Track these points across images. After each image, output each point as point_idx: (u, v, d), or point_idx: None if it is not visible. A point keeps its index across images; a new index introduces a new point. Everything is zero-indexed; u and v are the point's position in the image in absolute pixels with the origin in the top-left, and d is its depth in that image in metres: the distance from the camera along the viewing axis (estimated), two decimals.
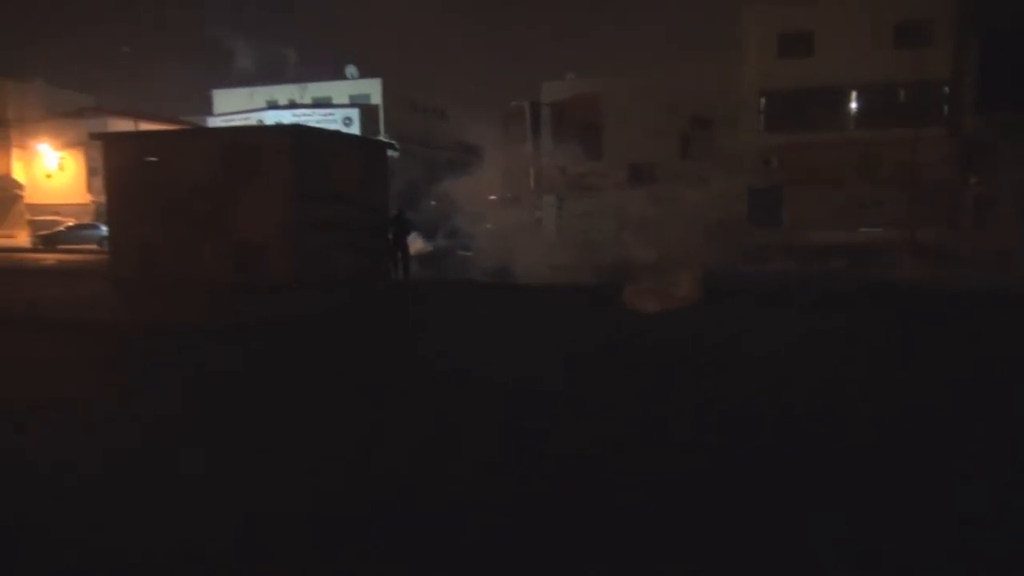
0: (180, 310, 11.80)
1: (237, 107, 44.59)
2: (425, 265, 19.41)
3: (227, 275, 13.44)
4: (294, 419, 5.82)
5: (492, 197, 34.82)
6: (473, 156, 41.80)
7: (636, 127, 27.70)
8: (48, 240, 32.76)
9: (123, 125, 36.59)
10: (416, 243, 19.70)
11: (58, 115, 45.34)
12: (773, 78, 31.26)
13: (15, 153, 46.65)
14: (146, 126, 35.30)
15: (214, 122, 42.68)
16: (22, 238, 36.59)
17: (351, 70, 47.09)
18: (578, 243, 16.58)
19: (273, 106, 44.15)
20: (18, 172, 46.68)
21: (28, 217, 41.07)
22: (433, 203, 29.04)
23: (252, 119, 39.67)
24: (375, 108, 43.94)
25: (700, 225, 15.06)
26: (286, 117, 38.04)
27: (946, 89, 29.56)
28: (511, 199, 27.71)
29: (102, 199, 31.30)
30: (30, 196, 45.57)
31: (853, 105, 31.60)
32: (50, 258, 26.66)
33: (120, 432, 5.54)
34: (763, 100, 32.12)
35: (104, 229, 28.21)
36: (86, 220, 36.15)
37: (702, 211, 16.04)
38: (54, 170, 45.56)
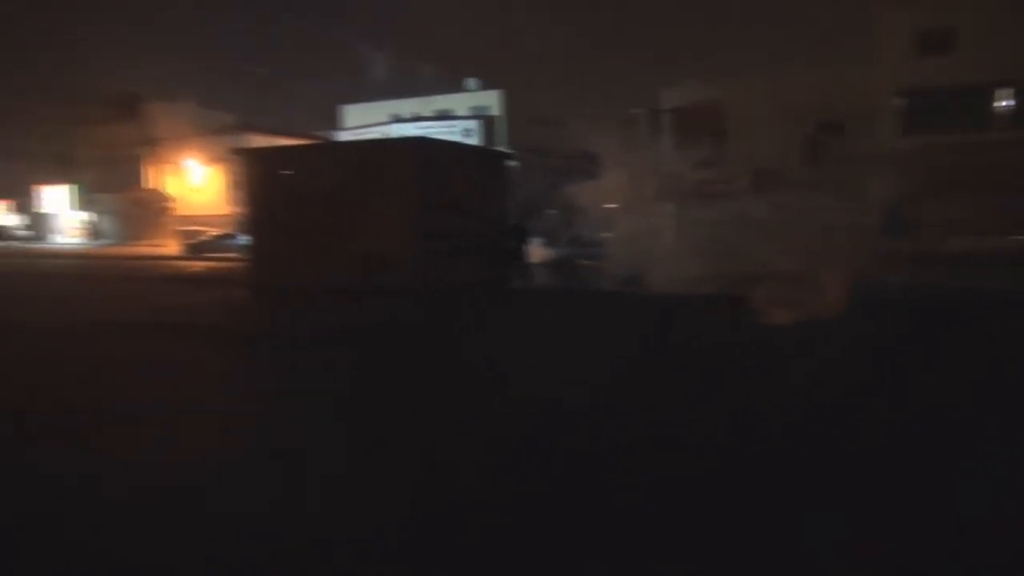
0: (302, 316, 12.45)
1: (364, 121, 46.57)
2: (548, 273, 19.47)
3: (352, 283, 14.00)
4: (370, 422, 6.04)
5: (611, 205, 34.59)
6: (592, 164, 41.68)
7: (760, 132, 26.83)
8: (195, 248, 35.28)
9: (261, 141, 38.92)
10: (539, 251, 19.78)
11: (205, 133, 48.84)
12: (911, 77, 29.57)
13: (167, 169, 50.63)
14: (281, 141, 37.41)
15: (343, 136, 44.76)
16: (172, 247, 39.55)
17: (472, 82, 48.22)
18: (701, 251, 16.19)
19: (398, 119, 45.79)
20: (169, 186, 50.62)
21: (177, 227, 44.39)
22: (552, 211, 29.20)
23: (378, 132, 41.31)
24: (495, 119, 44.79)
25: (831, 233, 14.39)
26: (410, 130, 39.34)
27: None
28: (630, 207, 27.41)
29: (241, 210, 33.36)
30: (180, 208, 49.30)
31: (1000, 104, 29.40)
32: (196, 265, 28.69)
33: (201, 432, 5.94)
34: (900, 101, 30.41)
35: (243, 238, 30.03)
36: (228, 230, 38.62)
37: (832, 218, 15.31)
38: (200, 184, 49.08)
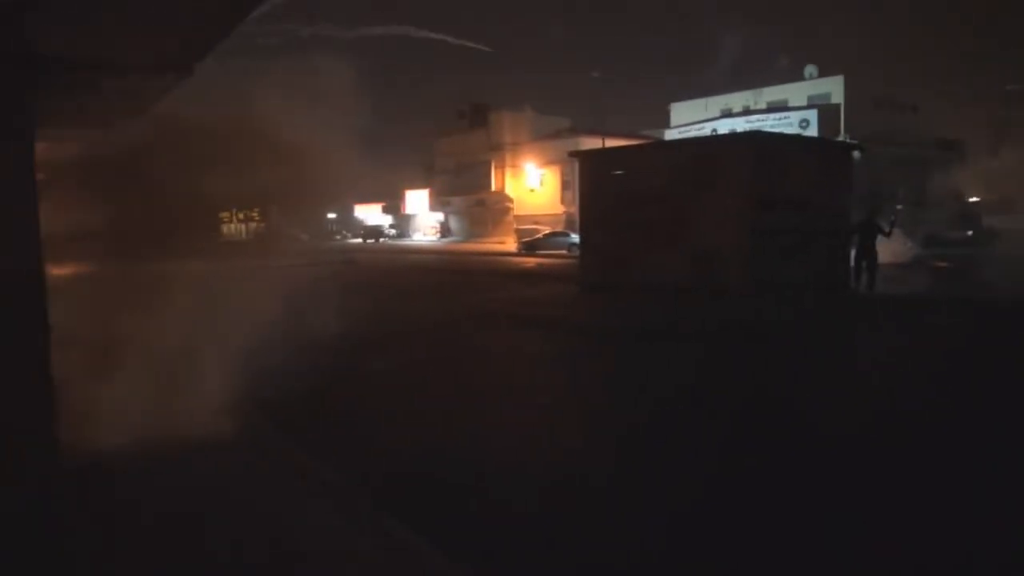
0: (648, 313, 12.62)
1: (693, 118, 46.01)
2: (901, 275, 17.05)
3: (684, 281, 13.82)
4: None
5: (974, 199, 30.02)
6: (952, 152, 36.64)
7: None
8: (529, 246, 37.81)
9: (592, 142, 40.45)
10: (894, 245, 17.51)
11: (541, 138, 52.20)
12: None
13: (508, 172, 55.05)
14: (611, 142, 38.45)
15: (670, 134, 44.68)
16: (510, 244, 42.85)
17: (810, 70, 45.10)
18: None
19: (727, 114, 44.53)
20: (509, 188, 54.97)
21: (514, 226, 47.99)
22: (899, 207, 26.20)
23: (706, 129, 40.55)
24: (835, 108, 41.37)
25: None
26: (740, 124, 38.04)
27: None
28: (1003, 201, 23.60)
29: (572, 210, 35.02)
30: (517, 208, 53.30)
31: None
32: (530, 261, 30.70)
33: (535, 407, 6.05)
34: None
35: (573, 237, 31.49)
36: (559, 229, 40.81)
37: None
38: (535, 185, 52.53)
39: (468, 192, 57.34)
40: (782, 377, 7.75)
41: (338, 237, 53.58)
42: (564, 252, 33.45)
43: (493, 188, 55.98)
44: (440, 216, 62.96)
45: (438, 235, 61.69)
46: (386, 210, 69.16)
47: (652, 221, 14.77)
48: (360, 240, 55.97)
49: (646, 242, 14.83)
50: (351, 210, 64.12)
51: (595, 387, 7.56)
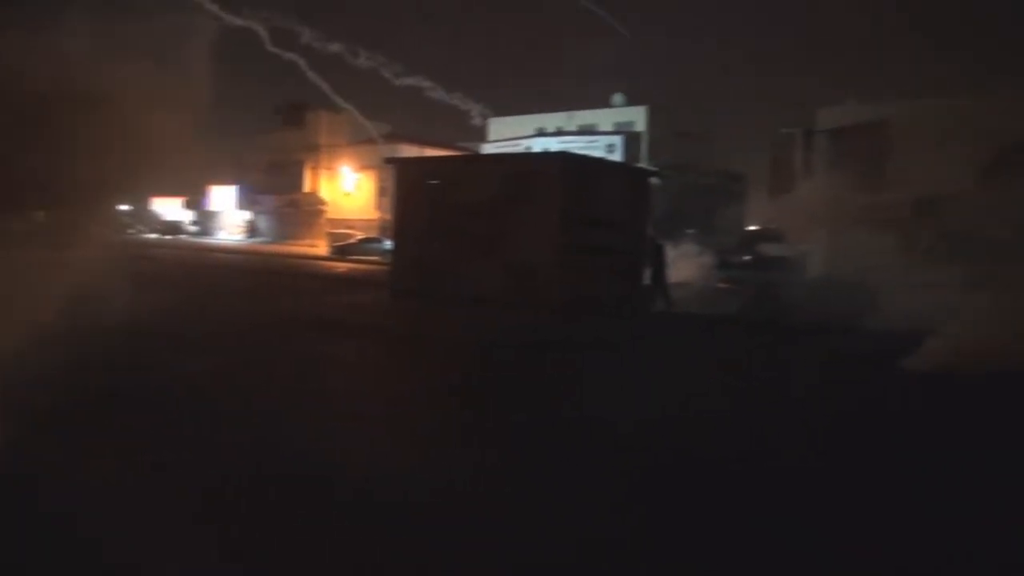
0: (442, 323, 12.76)
1: (509, 134, 47.36)
2: (693, 296, 18.60)
3: (496, 294, 14.15)
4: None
5: (752, 228, 33.32)
6: (738, 184, 40.46)
7: (931, 156, 24.90)
8: (341, 250, 37.00)
9: (411, 150, 40.44)
10: (680, 271, 19.01)
11: (359, 141, 51.36)
12: None
13: (323, 174, 53.62)
14: (430, 151, 38.67)
15: (487, 148, 45.72)
16: (322, 247, 41.70)
17: (617, 98, 48.00)
18: (851, 283, 15.16)
19: (541, 133, 46.25)
20: (324, 190, 53.54)
21: (327, 230, 46.76)
22: (690, 231, 28.58)
23: (521, 146, 41.91)
24: (638, 135, 44.34)
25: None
26: (552, 144, 39.65)
27: None
28: (775, 230, 26.34)
29: (388, 216, 34.75)
30: (331, 212, 51.99)
31: None
32: (342, 266, 30.06)
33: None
34: None
35: (387, 243, 31.19)
36: (373, 234, 40.27)
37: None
38: (351, 189, 51.56)
39: (280, 192, 55.17)
40: (603, 386, 8.22)
41: (131, 231, 49.37)
42: (377, 258, 33.04)
43: (307, 189, 54.29)
44: (248, 215, 59.97)
45: (245, 235, 58.66)
46: (188, 205, 64.69)
47: (467, 232, 14.98)
48: (156, 235, 51.96)
49: (461, 252, 15.01)
50: (147, 203, 59.24)
51: (414, 391, 7.60)
